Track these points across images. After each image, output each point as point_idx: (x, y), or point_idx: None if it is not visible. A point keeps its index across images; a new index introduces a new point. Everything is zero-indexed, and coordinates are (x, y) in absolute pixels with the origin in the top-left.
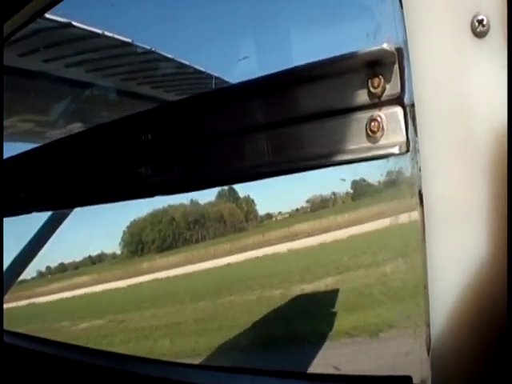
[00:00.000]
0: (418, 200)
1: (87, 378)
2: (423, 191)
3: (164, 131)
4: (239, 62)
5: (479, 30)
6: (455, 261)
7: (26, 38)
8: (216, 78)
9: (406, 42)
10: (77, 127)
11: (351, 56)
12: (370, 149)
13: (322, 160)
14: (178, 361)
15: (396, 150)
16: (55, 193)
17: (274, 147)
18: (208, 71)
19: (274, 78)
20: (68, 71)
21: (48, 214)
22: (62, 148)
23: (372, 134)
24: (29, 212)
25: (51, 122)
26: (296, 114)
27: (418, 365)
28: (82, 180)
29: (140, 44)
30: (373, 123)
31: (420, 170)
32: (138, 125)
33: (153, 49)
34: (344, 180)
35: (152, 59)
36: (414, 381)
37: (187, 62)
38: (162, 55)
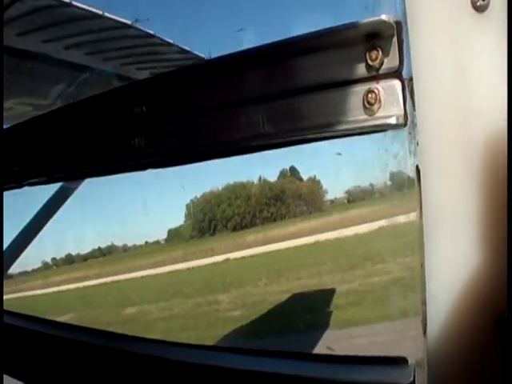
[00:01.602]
0: (415, 175)
1: (88, 358)
2: (420, 167)
3: (158, 103)
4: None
5: (479, 3)
6: (453, 242)
7: (25, 16)
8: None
9: (404, 16)
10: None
11: (349, 27)
12: (366, 120)
13: (318, 131)
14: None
15: (393, 121)
16: (48, 166)
17: (268, 119)
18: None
19: (270, 49)
20: (67, 53)
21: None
22: (55, 120)
23: (369, 106)
24: (21, 186)
25: (49, 105)
26: (292, 86)
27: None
28: (74, 152)
29: (140, 27)
30: (370, 95)
31: (418, 145)
32: (132, 96)
33: (153, 33)
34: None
35: (152, 43)
36: (410, 361)
37: (188, 48)
38: (162, 39)
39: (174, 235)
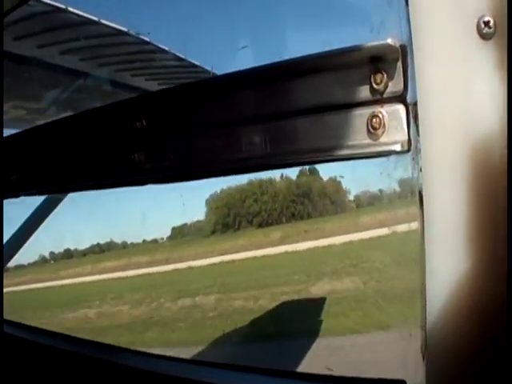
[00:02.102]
0: (417, 202)
1: (85, 370)
2: (423, 193)
3: (159, 118)
4: (238, 52)
5: (485, 31)
6: (453, 265)
7: (21, 21)
8: (211, 72)
9: (410, 40)
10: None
11: (355, 49)
12: (370, 145)
13: (321, 155)
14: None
15: (397, 148)
16: (46, 177)
17: (271, 140)
18: (203, 65)
19: (275, 69)
20: (62, 59)
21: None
22: (55, 131)
23: (373, 131)
24: (18, 196)
25: (43, 109)
26: (295, 107)
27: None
28: (73, 165)
29: (135, 34)
30: (374, 119)
31: (421, 171)
32: (133, 110)
33: (148, 40)
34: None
35: (147, 50)
36: None
37: (183, 56)
38: (157, 47)
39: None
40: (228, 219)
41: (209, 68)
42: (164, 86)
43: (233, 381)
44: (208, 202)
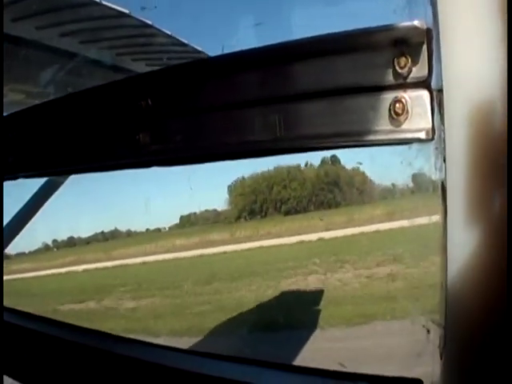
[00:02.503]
0: (440, 193)
1: (85, 359)
2: (447, 184)
3: (166, 97)
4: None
5: None
6: (476, 261)
7: (19, 2)
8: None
9: (436, 24)
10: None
11: (379, 30)
12: (392, 132)
13: (339, 140)
14: None
15: (421, 135)
16: (46, 158)
17: (286, 123)
18: (206, 51)
19: (292, 47)
20: (62, 41)
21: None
22: (56, 109)
23: (396, 117)
24: (16, 178)
25: (43, 93)
26: (313, 89)
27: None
28: (75, 146)
29: (137, 17)
30: (397, 104)
31: (444, 161)
32: (138, 89)
33: (150, 23)
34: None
35: (149, 34)
36: None
37: (185, 40)
38: (159, 30)
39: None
40: (255, 206)
41: (213, 53)
42: None
43: (245, 376)
44: (231, 189)
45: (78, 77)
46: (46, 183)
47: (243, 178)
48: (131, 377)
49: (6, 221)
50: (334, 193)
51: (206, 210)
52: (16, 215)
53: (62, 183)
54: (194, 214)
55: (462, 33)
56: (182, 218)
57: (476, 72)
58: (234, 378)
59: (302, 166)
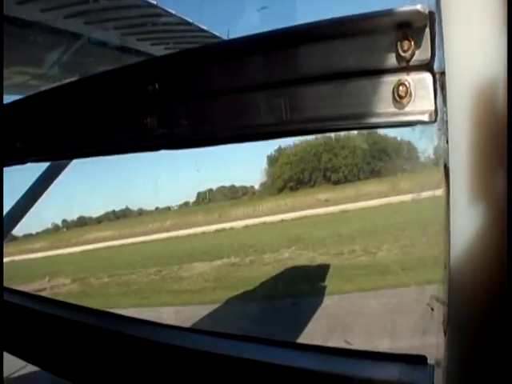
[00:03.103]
0: (443, 174)
1: (86, 338)
2: (449, 165)
3: (173, 82)
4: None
5: None
6: (479, 239)
7: None
8: (219, 37)
9: (438, 8)
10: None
11: (382, 14)
12: (395, 114)
13: (344, 123)
14: None
15: (424, 118)
16: (54, 143)
17: (291, 106)
18: (211, 30)
19: (296, 31)
20: (66, 23)
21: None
22: (63, 95)
23: (399, 99)
24: (24, 163)
25: (47, 75)
26: (318, 72)
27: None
28: (83, 130)
29: None
30: (401, 87)
31: (447, 143)
32: (145, 73)
33: (155, 2)
34: None
35: (154, 14)
36: (429, 361)
37: (190, 20)
38: (164, 10)
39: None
40: (302, 175)
41: (218, 33)
42: (170, 51)
43: (250, 354)
44: (272, 159)
45: (83, 58)
46: (48, 168)
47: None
48: (130, 354)
49: (10, 205)
50: (384, 161)
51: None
52: (20, 199)
53: (64, 168)
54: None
55: (464, 16)
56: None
57: (478, 54)
58: (240, 356)
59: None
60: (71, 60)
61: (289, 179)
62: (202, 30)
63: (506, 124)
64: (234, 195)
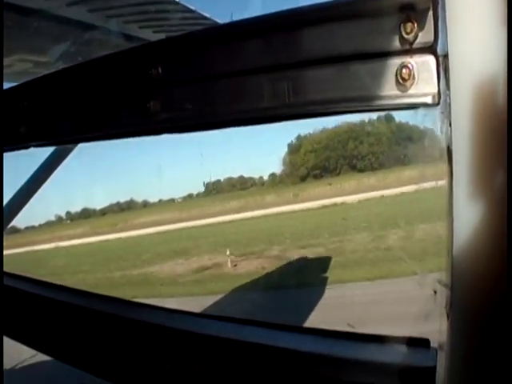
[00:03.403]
0: (446, 157)
1: (85, 322)
2: (452, 147)
3: (175, 65)
4: None
5: None
6: (481, 223)
7: None
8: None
9: None
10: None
11: None
12: (399, 97)
13: (347, 105)
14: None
15: (427, 100)
16: (58, 127)
17: (294, 89)
18: (214, 18)
19: (299, 14)
20: (69, 10)
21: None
22: (66, 79)
23: (402, 82)
24: (28, 147)
25: (50, 63)
26: (321, 55)
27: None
28: (86, 114)
29: None
30: (404, 70)
31: (450, 126)
32: (148, 57)
33: None
34: None
35: (156, 1)
36: (432, 344)
37: (193, 7)
38: None
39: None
40: (327, 162)
41: (221, 20)
42: None
43: (256, 338)
44: (293, 147)
45: (86, 45)
46: (51, 155)
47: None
48: (131, 337)
49: (13, 192)
50: (409, 149)
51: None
52: (23, 186)
53: (68, 154)
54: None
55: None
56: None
57: (481, 37)
58: (246, 340)
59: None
60: (73, 48)
61: (313, 167)
62: (205, 18)
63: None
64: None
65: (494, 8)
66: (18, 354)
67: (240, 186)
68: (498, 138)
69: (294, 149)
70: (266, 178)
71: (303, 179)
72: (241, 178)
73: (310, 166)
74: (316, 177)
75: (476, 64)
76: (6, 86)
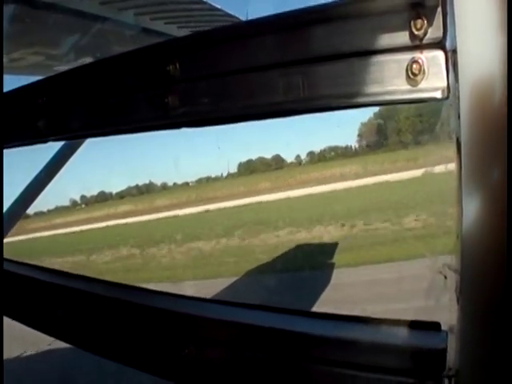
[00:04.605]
0: (455, 148)
1: (85, 307)
2: (461, 139)
3: (193, 61)
4: None
5: None
6: (490, 210)
7: None
8: (233, 16)
9: None
10: (88, 62)
11: None
12: (409, 91)
13: (360, 100)
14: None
15: (438, 95)
16: (75, 122)
17: (309, 84)
18: (224, 9)
19: (314, 12)
20: (81, 3)
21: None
22: (85, 75)
23: (413, 77)
24: (46, 141)
25: (62, 55)
26: (335, 51)
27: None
28: (103, 109)
29: None
30: (414, 65)
31: (459, 118)
32: (166, 54)
33: None
34: None
35: None
36: (443, 327)
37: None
38: None
39: None
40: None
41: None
42: (183, 30)
43: (264, 321)
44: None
45: (98, 38)
46: (63, 146)
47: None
48: (134, 322)
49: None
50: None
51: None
52: (34, 179)
53: (79, 146)
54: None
55: None
56: None
57: (489, 32)
58: (258, 324)
59: None
60: (85, 40)
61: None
62: (216, 9)
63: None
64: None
65: (501, 4)
66: None
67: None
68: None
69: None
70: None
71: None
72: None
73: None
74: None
75: (484, 58)
76: (18, 78)
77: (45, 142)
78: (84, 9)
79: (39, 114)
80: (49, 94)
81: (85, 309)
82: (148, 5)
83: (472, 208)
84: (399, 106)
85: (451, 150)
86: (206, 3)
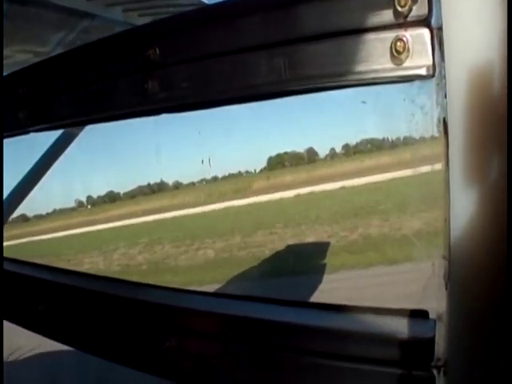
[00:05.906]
0: (442, 128)
1: (88, 305)
2: (448, 120)
3: (172, 45)
4: None
5: None
6: (478, 195)
7: None
8: None
9: None
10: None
11: None
12: (394, 70)
13: (344, 79)
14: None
15: (422, 72)
16: (55, 111)
17: (291, 65)
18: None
19: None
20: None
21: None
22: (63, 63)
23: (397, 55)
24: (27, 132)
25: (50, 53)
26: (316, 31)
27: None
28: (83, 97)
29: None
30: (398, 43)
31: (445, 98)
32: (145, 38)
33: None
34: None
35: None
36: (430, 315)
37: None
38: None
39: None
40: None
41: None
42: None
43: (258, 313)
44: None
45: (86, 35)
46: (57, 140)
47: None
48: (127, 316)
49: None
50: None
51: None
52: (29, 172)
53: (73, 139)
54: None
55: None
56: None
57: (475, 9)
58: (247, 315)
59: None
60: (73, 37)
61: None
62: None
63: (506, 75)
64: None
65: None
66: None
67: None
68: (496, 108)
69: None
70: None
71: None
72: None
73: None
74: None
75: (471, 36)
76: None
77: (26, 133)
78: (71, 5)
79: (19, 104)
80: (27, 83)
81: (62, 302)
82: (136, 1)
83: (460, 189)
84: None
85: None
86: (199, 0)
